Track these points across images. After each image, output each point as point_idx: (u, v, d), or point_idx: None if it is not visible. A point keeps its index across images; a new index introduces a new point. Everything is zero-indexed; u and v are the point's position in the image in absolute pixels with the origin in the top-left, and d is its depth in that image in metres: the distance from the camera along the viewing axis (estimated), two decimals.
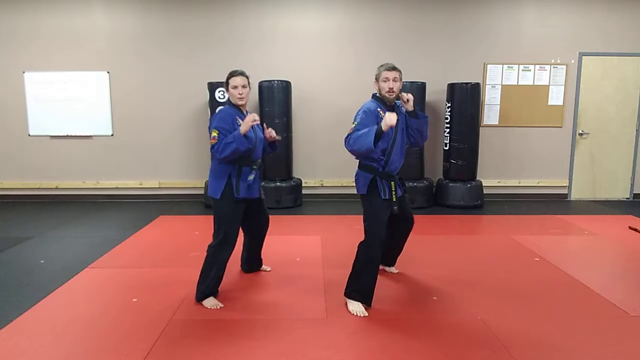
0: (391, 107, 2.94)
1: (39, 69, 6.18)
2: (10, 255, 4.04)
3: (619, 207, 6.06)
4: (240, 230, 3.13)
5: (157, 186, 6.41)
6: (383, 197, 2.86)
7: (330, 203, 6.21)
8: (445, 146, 6.10)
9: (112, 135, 6.32)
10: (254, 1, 6.13)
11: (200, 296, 2.98)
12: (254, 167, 3.02)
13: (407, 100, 2.87)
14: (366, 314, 2.82)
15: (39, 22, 6.10)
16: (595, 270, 3.68)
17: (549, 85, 6.34)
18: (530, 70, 6.30)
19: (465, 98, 5.88)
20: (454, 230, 4.92)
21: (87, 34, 6.14)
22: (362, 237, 2.92)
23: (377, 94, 2.95)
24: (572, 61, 6.31)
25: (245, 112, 3.06)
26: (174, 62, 6.20)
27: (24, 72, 6.18)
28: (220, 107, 3.09)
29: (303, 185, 6.23)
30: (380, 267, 3.35)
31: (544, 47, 6.27)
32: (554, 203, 6.30)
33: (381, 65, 2.91)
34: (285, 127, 5.85)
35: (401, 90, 2.94)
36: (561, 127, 6.42)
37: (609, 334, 2.64)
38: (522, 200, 6.45)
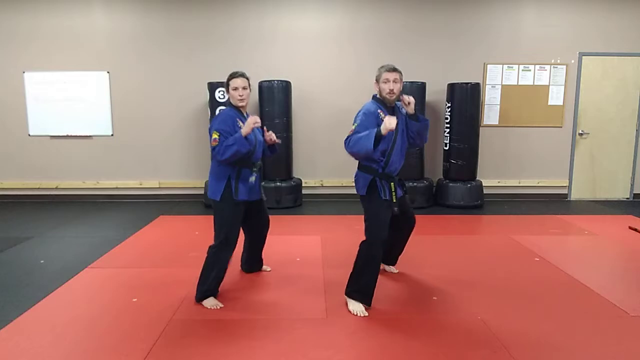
0: (391, 109, 2.93)
1: (39, 69, 6.18)
2: (10, 255, 4.04)
3: (619, 207, 6.06)
4: (241, 231, 3.13)
5: (157, 186, 6.42)
6: (383, 198, 2.85)
7: (330, 203, 6.21)
8: (445, 146, 6.10)
9: (112, 135, 6.32)
10: (254, 1, 6.13)
11: (200, 296, 2.98)
12: (254, 169, 3.02)
13: (409, 103, 2.86)
14: (366, 314, 2.82)
15: (39, 22, 6.10)
16: (595, 270, 3.68)
17: (549, 85, 6.34)
18: (530, 70, 6.30)
19: (465, 98, 5.88)
20: (454, 230, 4.92)
21: (87, 34, 6.14)
22: (362, 237, 2.92)
23: (378, 95, 2.94)
24: (572, 61, 6.31)
25: (245, 114, 3.07)
26: (174, 62, 6.20)
27: (24, 72, 6.18)
28: (221, 109, 3.12)
29: (303, 185, 6.23)
30: (381, 266, 3.35)
31: (544, 47, 6.27)
32: (554, 203, 6.30)
33: (382, 67, 2.90)
34: (285, 127, 5.85)
35: (402, 92, 2.93)
36: (561, 127, 6.42)
37: (609, 334, 2.64)
38: (522, 200, 6.45)
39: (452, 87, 5.96)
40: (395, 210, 2.91)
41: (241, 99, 2.97)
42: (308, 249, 4.15)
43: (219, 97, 5.61)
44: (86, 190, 6.42)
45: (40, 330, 2.66)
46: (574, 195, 6.59)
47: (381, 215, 2.86)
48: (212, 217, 3.01)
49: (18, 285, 3.34)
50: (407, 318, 2.81)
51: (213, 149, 2.85)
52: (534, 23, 6.24)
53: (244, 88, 2.97)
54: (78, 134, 6.32)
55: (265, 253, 3.57)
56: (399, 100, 2.94)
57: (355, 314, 2.82)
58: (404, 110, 2.98)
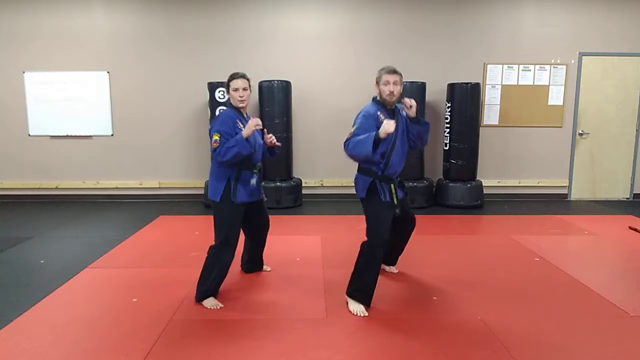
0: (391, 111, 2.93)
1: (39, 69, 6.18)
2: (10, 255, 4.04)
3: (619, 207, 6.06)
4: (241, 231, 3.13)
5: (157, 186, 6.42)
6: (383, 200, 2.85)
7: (330, 203, 6.21)
8: (445, 146, 6.10)
9: (112, 135, 6.32)
10: (254, 1, 6.13)
11: (200, 296, 2.98)
12: (254, 170, 3.02)
13: (410, 106, 2.84)
14: (366, 314, 2.82)
15: (39, 22, 6.10)
16: (595, 270, 3.68)
17: (549, 85, 6.34)
18: (530, 70, 6.30)
19: (465, 98, 5.88)
20: (454, 230, 4.92)
21: (87, 34, 6.14)
22: (362, 237, 2.92)
23: (378, 98, 2.94)
24: (572, 61, 6.31)
25: (245, 115, 3.07)
26: (174, 62, 6.20)
27: (24, 72, 6.18)
28: (221, 109, 3.12)
29: (303, 185, 6.23)
30: (381, 266, 3.35)
31: (544, 47, 6.27)
32: (554, 203, 6.30)
33: (382, 69, 2.89)
34: (285, 127, 5.85)
35: (402, 95, 2.93)
36: (561, 127, 6.42)
37: (609, 334, 2.64)
38: (522, 200, 6.45)
39: (452, 87, 5.96)
40: (397, 212, 2.91)
41: (241, 100, 2.97)
42: (308, 249, 4.15)
43: (219, 97, 5.61)
44: (86, 190, 6.42)
45: (40, 330, 2.66)
46: (574, 195, 6.59)
47: (382, 217, 2.86)
48: (212, 217, 3.01)
49: (18, 285, 3.34)
50: (407, 318, 2.81)
51: (214, 150, 2.85)
52: (534, 23, 6.24)
53: (245, 89, 2.97)
54: (78, 134, 6.32)
55: (266, 253, 3.57)
56: (399, 102, 2.93)
57: (356, 314, 2.83)
58: (404, 112, 2.97)
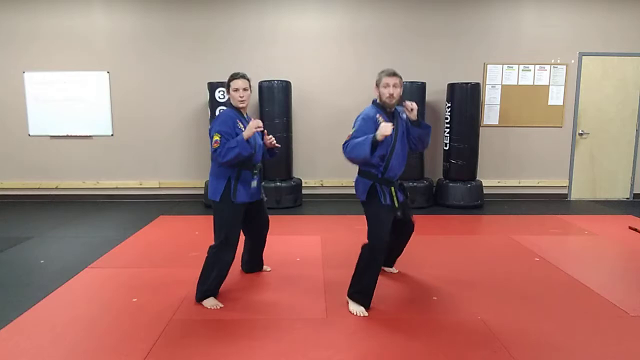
0: (391, 113, 2.93)
1: (39, 69, 6.18)
2: (10, 255, 4.04)
3: (619, 207, 6.06)
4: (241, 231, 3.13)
5: (157, 186, 6.42)
6: (384, 203, 2.86)
7: (330, 203, 6.21)
8: (445, 146, 6.10)
9: (112, 135, 6.32)
10: (254, 1, 6.13)
11: (201, 296, 2.98)
12: (255, 171, 3.02)
13: (412, 109, 2.84)
14: (366, 314, 2.83)
15: (39, 22, 6.10)
16: (595, 270, 3.68)
17: (549, 85, 6.34)
18: (530, 70, 6.30)
19: (465, 98, 5.88)
20: (454, 230, 4.92)
21: (87, 34, 6.14)
22: (362, 237, 2.92)
23: (378, 100, 2.95)
24: (572, 61, 6.31)
25: (245, 115, 3.07)
26: (174, 62, 6.20)
27: (24, 72, 6.18)
28: (221, 109, 3.11)
29: (303, 185, 6.23)
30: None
31: (544, 47, 6.27)
32: (554, 203, 6.30)
33: (382, 72, 2.89)
34: (285, 127, 5.85)
35: (402, 98, 2.93)
36: (561, 127, 6.42)
37: (609, 334, 2.64)
38: (522, 200, 6.45)
39: (452, 87, 5.96)
40: (399, 215, 2.91)
41: (242, 100, 2.97)
42: (308, 249, 4.15)
43: (219, 97, 5.61)
44: (86, 190, 6.42)
45: (40, 330, 2.66)
46: (574, 195, 6.59)
47: (382, 219, 2.86)
48: (212, 217, 3.01)
49: (18, 285, 3.34)
50: (407, 318, 2.81)
51: (214, 150, 2.85)
52: (534, 23, 6.24)
53: (245, 89, 2.97)
54: (78, 134, 6.32)
55: (266, 253, 3.57)
56: (399, 104, 2.94)
57: (356, 314, 2.83)
58: (404, 115, 2.97)
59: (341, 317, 2.81)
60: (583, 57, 6.29)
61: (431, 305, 3.02)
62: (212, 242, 3.00)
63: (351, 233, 4.58)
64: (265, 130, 3.18)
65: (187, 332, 2.63)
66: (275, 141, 3.17)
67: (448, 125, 6.02)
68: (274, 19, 6.15)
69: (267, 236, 3.45)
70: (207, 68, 6.11)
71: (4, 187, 6.38)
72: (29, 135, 6.30)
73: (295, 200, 5.98)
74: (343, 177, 6.28)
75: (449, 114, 5.99)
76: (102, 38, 6.15)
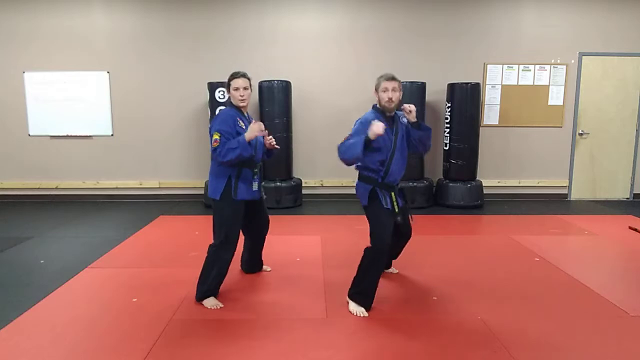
0: (391, 118, 2.94)
1: (39, 69, 6.18)
2: (10, 255, 4.04)
3: (619, 207, 6.06)
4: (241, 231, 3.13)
5: (157, 186, 6.42)
6: (385, 207, 2.87)
7: (330, 203, 6.21)
8: (445, 146, 6.10)
9: (112, 135, 6.32)
10: (254, 1, 6.13)
11: (201, 296, 2.98)
12: (255, 170, 3.02)
13: (410, 111, 2.86)
14: (366, 314, 2.83)
15: (39, 22, 6.10)
16: (595, 270, 3.68)
17: (549, 85, 6.34)
18: (530, 70, 6.30)
19: (465, 98, 5.88)
20: (454, 230, 4.92)
21: (87, 34, 6.14)
22: (362, 237, 2.92)
23: (377, 105, 2.95)
24: (572, 61, 6.31)
25: (246, 114, 3.07)
26: (174, 62, 6.20)
27: (24, 72, 6.18)
28: (221, 109, 3.11)
29: (303, 185, 6.23)
30: None
31: (544, 47, 6.27)
32: (554, 203, 6.30)
33: (381, 76, 2.91)
34: (285, 127, 5.85)
35: (401, 101, 2.94)
36: (561, 127, 6.42)
37: (609, 334, 2.64)
38: (522, 200, 6.45)
39: (452, 87, 5.96)
40: (399, 220, 2.92)
41: (242, 99, 2.97)
42: (308, 249, 4.15)
43: (219, 97, 5.61)
44: (86, 190, 6.42)
45: (40, 330, 2.66)
46: (574, 195, 6.59)
47: (383, 222, 2.87)
48: (212, 217, 3.01)
49: (18, 285, 3.34)
50: (407, 318, 2.81)
51: (214, 150, 2.85)
52: (534, 23, 6.24)
53: (245, 88, 2.97)
54: (78, 134, 6.32)
55: (265, 253, 3.57)
56: (399, 109, 2.94)
57: (356, 314, 2.83)
58: (404, 120, 2.98)
59: (341, 317, 2.81)
60: (583, 57, 6.29)
61: (431, 305, 3.02)
62: (212, 242, 3.00)
63: (351, 233, 4.58)
64: (267, 131, 3.18)
65: (187, 332, 2.63)
66: (275, 142, 3.17)
67: (448, 125, 6.02)
68: (274, 19, 6.15)
69: (267, 236, 3.45)
70: (207, 68, 6.11)
71: (4, 187, 6.38)
72: (29, 135, 6.30)
73: (295, 200, 5.98)
74: (343, 177, 6.28)
75: (449, 114, 5.99)
76: (102, 38, 6.15)
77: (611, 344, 2.52)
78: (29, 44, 6.14)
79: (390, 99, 2.85)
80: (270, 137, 3.16)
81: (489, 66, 6.28)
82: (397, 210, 2.90)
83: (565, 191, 6.58)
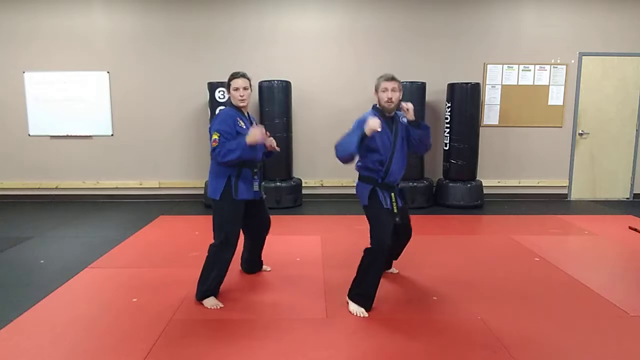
0: (390, 118, 2.94)
1: (39, 69, 6.18)
2: (10, 255, 4.04)
3: (619, 207, 6.06)
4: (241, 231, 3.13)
5: (157, 186, 6.42)
6: (385, 207, 2.87)
7: (330, 203, 6.21)
8: (445, 146, 6.10)
9: (112, 135, 6.32)
10: (254, 1, 6.13)
11: (201, 296, 2.98)
12: (255, 169, 3.02)
13: (408, 109, 2.86)
14: (366, 315, 2.83)
15: (39, 22, 6.10)
16: (595, 270, 3.68)
17: (549, 85, 6.34)
18: (530, 70, 6.30)
19: (465, 98, 5.88)
20: (454, 230, 4.92)
21: (87, 34, 6.14)
22: (362, 237, 2.92)
23: (377, 105, 2.95)
24: (572, 61, 6.31)
25: (246, 114, 3.07)
26: (174, 62, 6.20)
27: (24, 72, 6.18)
28: (221, 108, 3.11)
29: (303, 185, 6.23)
30: None
31: (544, 47, 6.27)
32: (554, 203, 6.30)
33: (380, 76, 2.92)
34: (285, 127, 5.85)
35: (401, 101, 2.94)
36: (561, 127, 6.42)
37: (609, 334, 2.64)
38: (522, 200, 6.45)
39: (452, 87, 5.96)
40: (397, 220, 2.92)
41: (242, 99, 2.98)
42: (308, 249, 4.15)
43: (219, 97, 5.61)
44: (86, 190, 6.42)
45: (40, 330, 2.66)
46: (574, 195, 6.59)
47: (383, 222, 2.87)
48: (212, 217, 3.01)
49: (18, 285, 3.34)
50: (407, 318, 2.81)
51: (213, 150, 2.85)
52: (534, 23, 6.24)
53: (245, 88, 2.97)
54: (78, 134, 6.32)
55: (265, 253, 3.57)
56: (399, 109, 2.95)
57: (356, 314, 2.83)
58: (404, 120, 2.98)
59: (341, 317, 2.81)
60: (583, 57, 6.29)
61: (431, 305, 3.02)
62: (212, 242, 3.00)
63: (351, 233, 4.58)
64: (268, 132, 3.17)
65: (187, 332, 2.63)
66: (275, 144, 3.15)
67: (448, 125, 6.02)
68: (274, 19, 6.15)
69: (267, 236, 3.45)
70: (207, 68, 6.11)
71: (4, 187, 6.38)
72: (29, 135, 6.30)
73: (295, 200, 5.98)
74: (343, 177, 6.28)
75: (449, 114, 5.99)
76: (102, 38, 6.15)
77: (611, 344, 2.52)
78: (29, 44, 6.14)
79: (389, 99, 2.85)
80: (271, 138, 3.15)
81: (489, 66, 6.28)
82: (396, 210, 2.90)
83: (565, 191, 6.58)
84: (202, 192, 6.16)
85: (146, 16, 6.13)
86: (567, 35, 6.25)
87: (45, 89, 6.20)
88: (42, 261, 3.87)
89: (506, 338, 2.56)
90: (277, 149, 3.18)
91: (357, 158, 2.89)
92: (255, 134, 2.84)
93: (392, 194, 2.90)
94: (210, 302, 2.96)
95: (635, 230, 4.81)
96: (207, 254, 2.99)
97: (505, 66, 6.29)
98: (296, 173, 6.31)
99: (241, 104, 2.99)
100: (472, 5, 6.19)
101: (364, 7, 6.17)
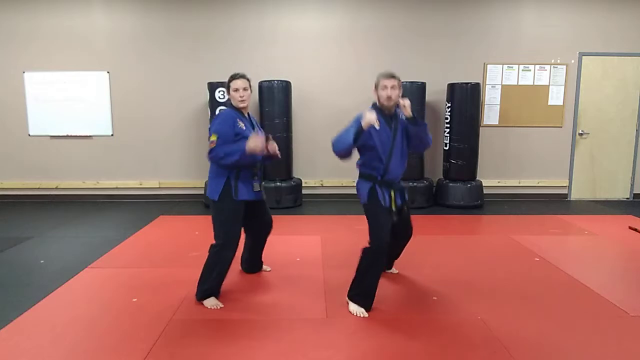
0: (389, 116, 2.93)
1: (39, 69, 6.18)
2: (10, 255, 4.04)
3: (619, 207, 6.06)
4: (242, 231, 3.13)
5: (157, 186, 6.42)
6: (383, 204, 2.87)
7: (330, 203, 6.21)
8: (445, 146, 6.10)
9: (112, 135, 6.32)
10: (254, 1, 6.13)
11: (201, 296, 2.97)
12: (254, 170, 3.01)
13: (405, 106, 2.84)
14: (366, 315, 2.82)
15: (39, 22, 6.10)
16: (595, 270, 3.68)
17: (549, 85, 6.34)
18: (530, 70, 6.30)
19: (465, 98, 5.88)
20: (454, 230, 4.92)
21: (87, 34, 6.14)
22: (362, 237, 2.91)
23: (377, 103, 2.95)
24: (572, 61, 6.31)
25: (247, 115, 3.07)
26: (174, 62, 6.20)
27: (24, 72, 6.18)
28: (221, 109, 3.11)
29: (303, 185, 6.23)
30: None
31: (544, 47, 6.27)
32: (554, 203, 6.30)
33: (380, 74, 2.91)
34: (285, 127, 5.85)
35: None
36: (561, 127, 6.42)
37: (609, 334, 2.64)
38: (522, 200, 6.45)
39: (452, 87, 5.96)
40: (394, 218, 2.92)
41: (242, 100, 2.98)
42: (308, 249, 4.15)
43: (219, 97, 5.61)
44: (86, 190, 6.42)
45: (40, 330, 2.66)
46: (574, 195, 6.59)
47: (382, 221, 2.86)
48: (212, 218, 3.01)
49: (18, 285, 3.34)
50: (407, 318, 2.81)
51: (210, 151, 2.85)
52: (534, 23, 6.24)
53: (245, 89, 2.97)
54: (78, 134, 6.32)
55: (266, 253, 3.57)
56: (398, 106, 2.94)
57: (356, 314, 2.83)
58: (404, 117, 2.97)
59: (341, 317, 2.81)
60: (583, 57, 6.29)
61: (431, 305, 3.02)
62: (212, 242, 2.99)
63: (351, 233, 4.58)
64: (270, 136, 3.15)
65: (187, 332, 2.63)
66: (277, 149, 3.12)
67: (448, 125, 6.02)
68: (274, 19, 6.16)
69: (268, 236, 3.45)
70: (207, 68, 6.11)
71: (4, 187, 6.38)
72: (29, 135, 6.30)
73: (295, 200, 5.98)
74: (343, 177, 6.28)
75: (449, 114, 5.99)
76: (102, 38, 6.15)
77: (611, 344, 2.52)
78: (29, 44, 6.14)
79: (389, 97, 2.85)
80: (273, 142, 3.13)
81: (489, 66, 6.28)
82: (394, 208, 2.89)
83: (565, 191, 6.58)
84: (202, 192, 6.16)
85: (146, 16, 6.13)
86: (567, 35, 6.25)
87: (45, 89, 6.20)
88: (42, 261, 3.87)
89: (506, 338, 2.56)
90: (279, 156, 3.16)
91: (354, 153, 2.88)
92: (256, 144, 2.82)
93: (392, 191, 2.89)
94: (210, 302, 2.95)
95: (635, 230, 4.81)
96: (208, 255, 2.99)
97: (505, 66, 6.29)
98: (296, 173, 6.31)
99: (241, 105, 2.99)
100: (472, 5, 6.19)
101: (364, 7, 6.17)
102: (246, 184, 2.98)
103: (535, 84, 6.33)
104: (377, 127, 2.75)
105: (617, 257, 4.13)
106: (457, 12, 6.19)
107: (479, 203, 6.00)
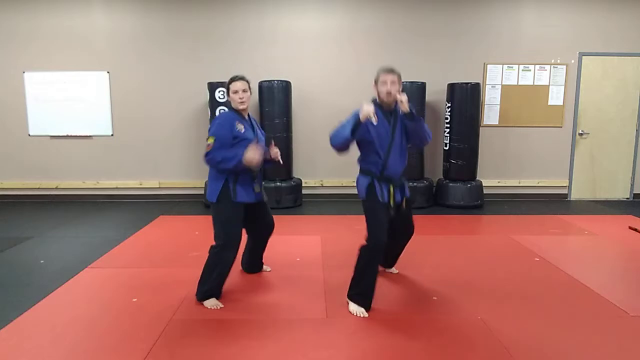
0: (389, 112, 2.93)
1: (39, 69, 6.18)
2: (10, 255, 4.04)
3: (619, 207, 6.06)
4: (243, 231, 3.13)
5: (157, 186, 6.42)
6: (381, 200, 2.86)
7: (330, 203, 6.21)
8: (445, 146, 6.10)
9: (112, 135, 6.32)
10: (254, 1, 6.13)
11: (202, 296, 2.97)
12: (253, 173, 3.01)
13: (402, 101, 2.81)
14: (366, 315, 2.82)
15: (39, 22, 6.10)
16: (595, 270, 3.68)
17: (549, 85, 6.34)
18: (530, 70, 6.30)
19: (465, 98, 5.88)
20: (454, 230, 4.92)
21: (87, 34, 6.14)
22: (362, 237, 2.91)
23: (377, 99, 2.94)
24: (572, 61, 6.31)
25: (247, 116, 3.07)
26: (174, 62, 6.20)
27: (24, 72, 6.18)
28: (221, 109, 3.11)
29: (303, 185, 6.23)
30: (380, 268, 3.33)
31: (544, 47, 6.27)
32: (554, 203, 6.30)
33: (380, 69, 2.90)
34: (285, 127, 5.86)
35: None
36: (561, 127, 6.42)
37: (609, 334, 2.64)
38: (522, 200, 6.45)
39: (452, 87, 5.96)
40: (391, 213, 2.91)
41: (241, 102, 2.98)
42: (308, 249, 4.15)
43: (219, 97, 5.61)
44: (86, 190, 6.42)
45: (40, 330, 2.66)
46: (574, 195, 6.59)
47: (379, 218, 2.86)
48: (212, 219, 3.00)
49: (18, 285, 3.34)
50: (407, 318, 2.81)
51: (205, 154, 2.85)
52: (534, 23, 6.24)
53: (244, 91, 2.97)
54: (78, 134, 6.32)
55: (266, 253, 3.56)
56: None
57: (356, 314, 2.82)
58: (401, 112, 2.96)
59: (341, 317, 2.81)
60: (583, 57, 6.29)
61: (431, 305, 3.02)
62: (212, 242, 2.99)
63: (351, 233, 4.58)
64: (272, 142, 3.14)
65: (187, 332, 2.63)
66: (279, 155, 3.12)
67: (448, 125, 6.02)
68: (274, 19, 6.16)
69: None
70: (207, 68, 6.11)
71: (4, 187, 6.38)
72: (29, 135, 6.30)
73: (295, 200, 5.98)
74: (343, 177, 6.28)
75: (449, 114, 5.99)
76: (102, 38, 6.15)
77: (611, 344, 2.52)
78: (29, 44, 6.14)
79: (389, 92, 2.83)
80: (276, 148, 3.13)
81: (489, 66, 6.28)
82: (392, 204, 2.89)
83: (565, 191, 6.58)
84: (202, 192, 6.16)
85: (146, 16, 6.13)
86: (567, 35, 6.25)
87: (45, 89, 6.20)
88: (42, 261, 3.87)
89: (506, 338, 2.56)
90: (281, 162, 3.15)
91: (352, 147, 2.86)
92: (254, 157, 2.81)
93: (391, 187, 2.88)
94: (210, 302, 2.95)
95: (635, 230, 4.81)
96: (208, 255, 2.99)
97: (505, 66, 6.29)
98: (296, 173, 6.31)
99: (241, 107, 2.99)
100: (472, 5, 6.19)
101: (364, 7, 6.17)
102: (245, 186, 2.97)
103: (535, 84, 6.33)
104: (375, 122, 2.74)
105: (617, 257, 4.13)
106: (457, 12, 6.19)
107: (479, 203, 6.00)
